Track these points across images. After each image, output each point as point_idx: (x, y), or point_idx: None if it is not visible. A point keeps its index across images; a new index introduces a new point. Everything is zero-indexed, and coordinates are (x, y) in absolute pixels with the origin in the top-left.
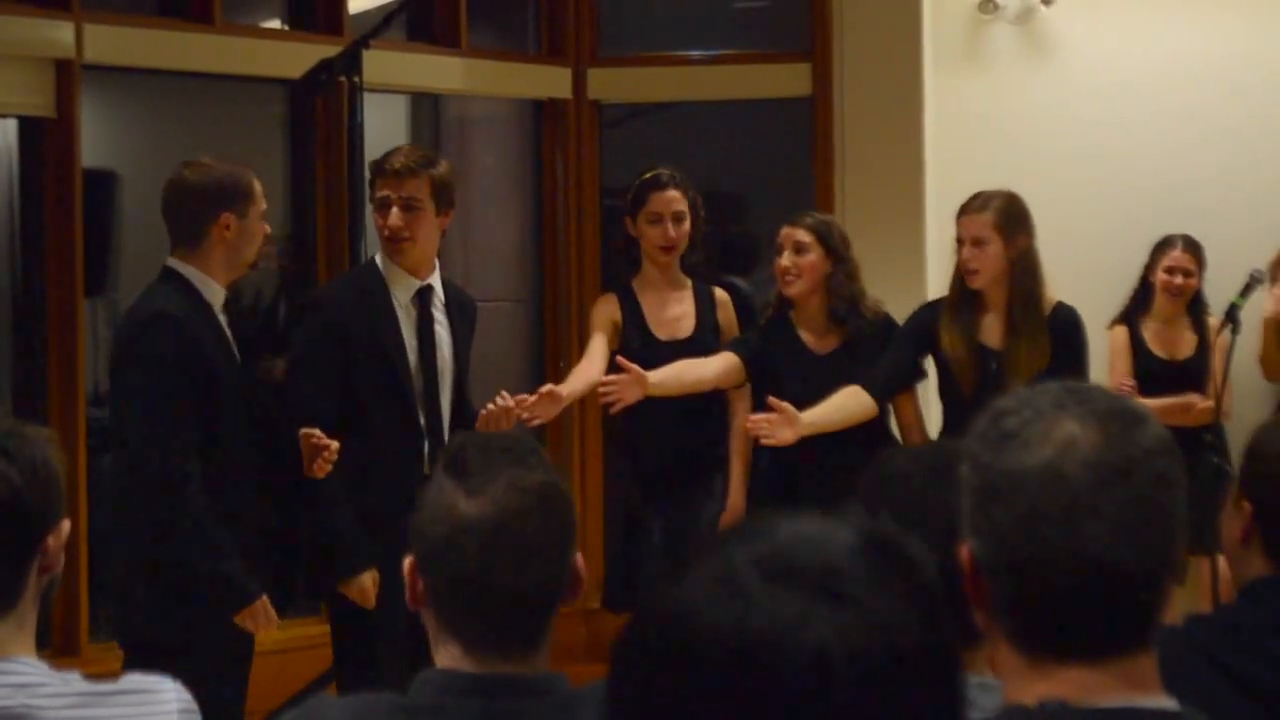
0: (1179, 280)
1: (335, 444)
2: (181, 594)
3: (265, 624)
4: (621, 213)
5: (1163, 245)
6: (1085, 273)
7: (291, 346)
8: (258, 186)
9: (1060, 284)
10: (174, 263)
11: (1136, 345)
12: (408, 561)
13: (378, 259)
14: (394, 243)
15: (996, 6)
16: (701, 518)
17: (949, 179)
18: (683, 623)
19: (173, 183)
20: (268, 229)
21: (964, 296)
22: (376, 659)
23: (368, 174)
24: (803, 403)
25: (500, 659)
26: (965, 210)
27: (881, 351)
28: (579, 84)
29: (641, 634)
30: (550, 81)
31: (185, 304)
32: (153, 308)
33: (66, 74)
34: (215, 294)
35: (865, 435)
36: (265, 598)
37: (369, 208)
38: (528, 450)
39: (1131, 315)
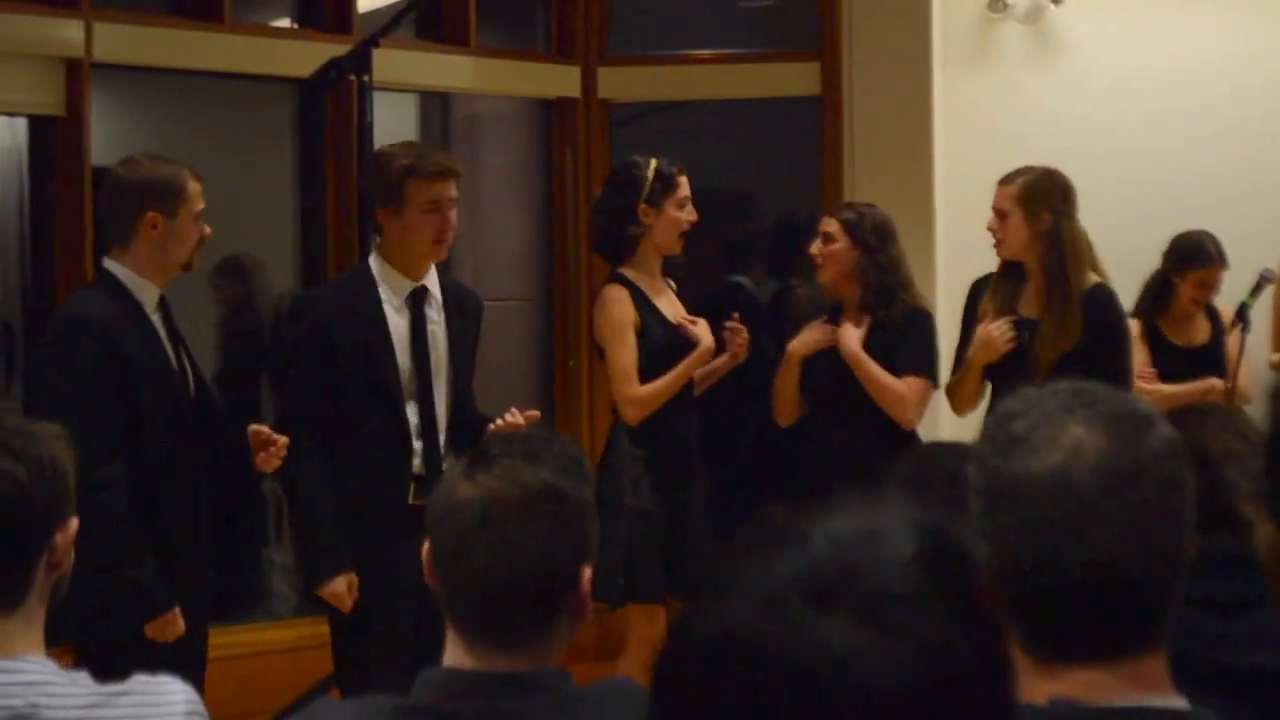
0: (1211, 294)
1: (283, 439)
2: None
3: (173, 635)
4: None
5: (1197, 257)
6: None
7: (281, 350)
8: (193, 186)
9: None
10: (108, 263)
11: (1153, 336)
12: (426, 547)
13: (372, 261)
14: (442, 244)
15: (1006, 5)
16: (692, 506)
17: (958, 178)
18: (729, 650)
19: (106, 180)
20: (206, 231)
21: (1010, 266)
22: (371, 660)
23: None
24: (820, 386)
25: (495, 653)
26: (999, 182)
27: (901, 341)
28: (588, 83)
29: (685, 654)
30: (559, 80)
31: (112, 307)
32: (75, 311)
33: (76, 73)
34: (148, 294)
35: (878, 430)
36: (176, 610)
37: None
38: (547, 451)
39: (1148, 311)
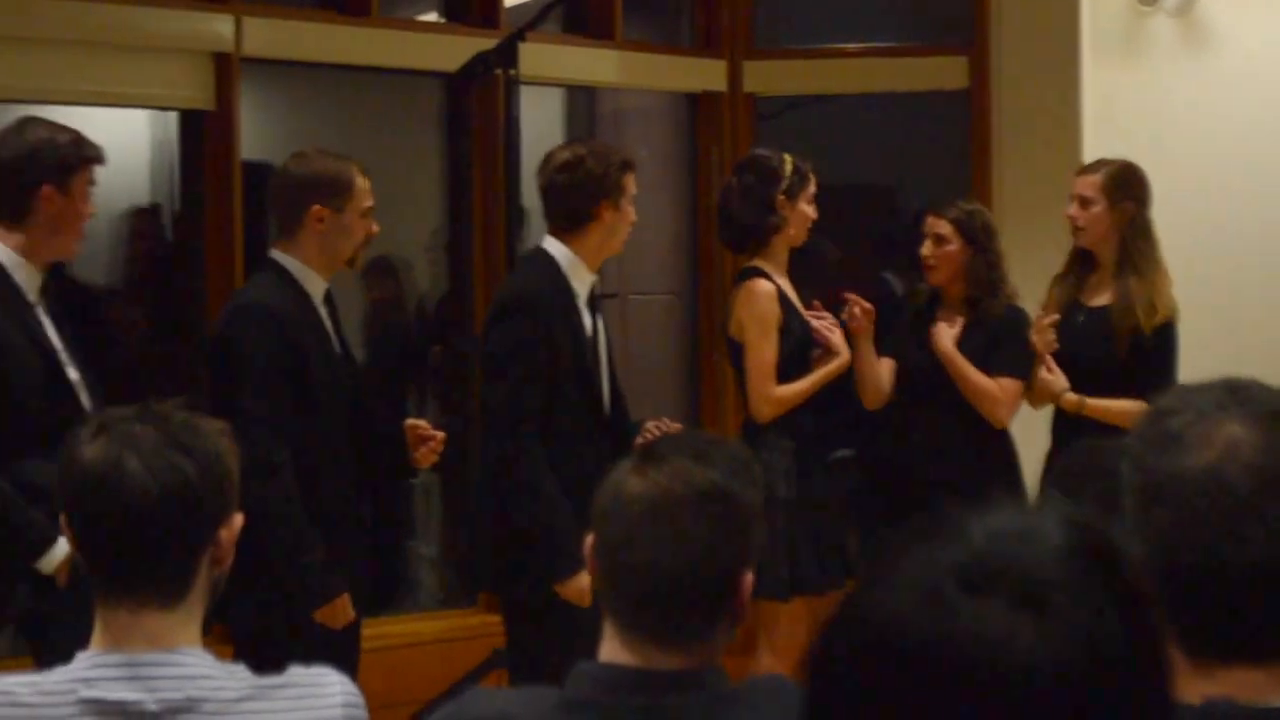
0: None
1: (441, 434)
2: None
3: (343, 621)
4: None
5: None
6: (1243, 266)
7: (494, 345)
8: (360, 182)
9: (1218, 277)
10: (275, 254)
11: None
12: (589, 539)
13: (555, 251)
14: None
15: None
16: (827, 500)
17: None
18: (884, 636)
19: (275, 173)
20: (374, 228)
21: (1077, 256)
22: (557, 653)
23: (618, 169)
24: (915, 378)
25: (653, 650)
26: (1080, 171)
27: (998, 342)
28: (734, 77)
29: (842, 644)
30: (705, 74)
31: (283, 295)
32: (247, 298)
33: (226, 67)
34: (315, 285)
35: (970, 424)
36: (346, 595)
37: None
38: (717, 452)
39: None
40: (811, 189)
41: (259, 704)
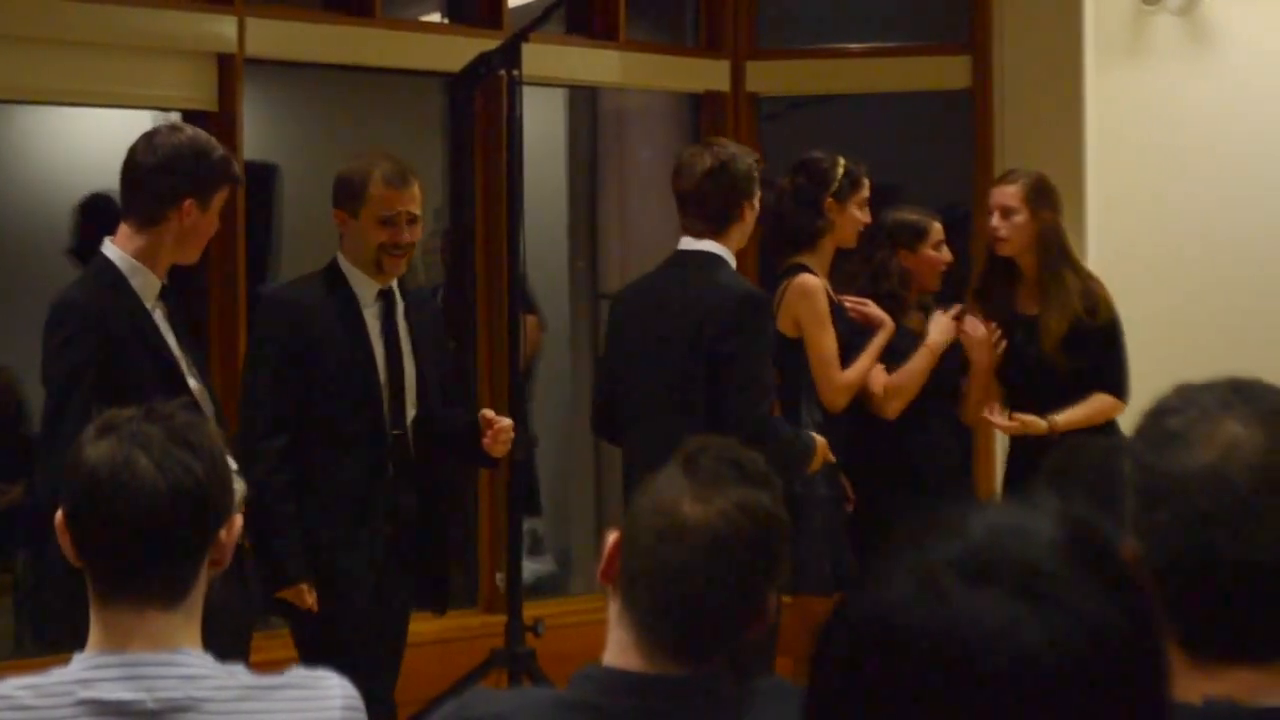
0: None
1: (509, 422)
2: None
3: (301, 606)
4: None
5: None
6: (1249, 269)
7: (760, 343)
8: (374, 191)
9: (1221, 278)
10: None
11: None
12: (614, 537)
13: (718, 250)
14: None
15: None
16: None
17: (1110, 173)
18: (884, 629)
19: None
20: (406, 238)
21: (994, 267)
22: None
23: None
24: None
25: (669, 661)
26: (997, 182)
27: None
28: (737, 77)
29: (841, 639)
30: (708, 74)
31: (307, 292)
32: (261, 292)
33: (229, 68)
34: (365, 288)
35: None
36: (304, 585)
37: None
38: (762, 472)
39: None
40: (864, 193)
41: (258, 704)
